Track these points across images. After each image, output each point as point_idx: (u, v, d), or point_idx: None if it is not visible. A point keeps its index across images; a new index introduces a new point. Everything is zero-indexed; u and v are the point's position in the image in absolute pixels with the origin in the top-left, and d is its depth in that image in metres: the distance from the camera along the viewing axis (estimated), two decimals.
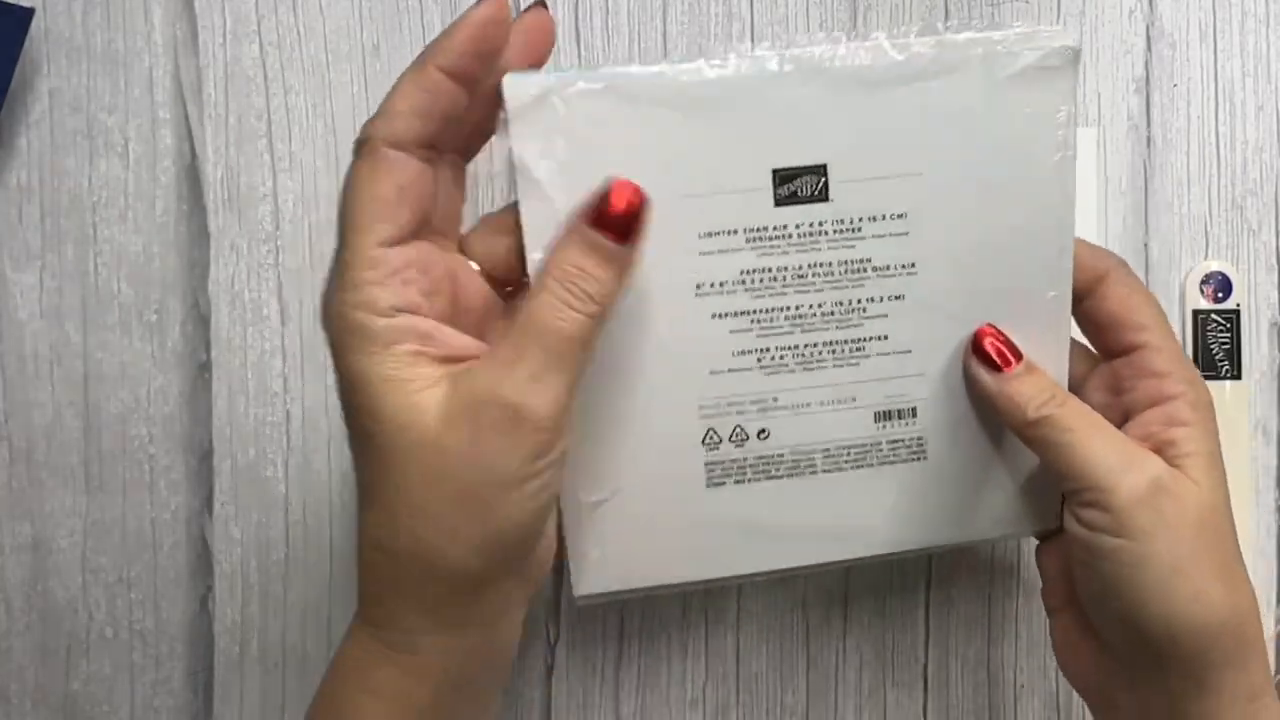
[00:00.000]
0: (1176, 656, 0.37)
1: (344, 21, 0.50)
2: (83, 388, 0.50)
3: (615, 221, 0.34)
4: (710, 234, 0.38)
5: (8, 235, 0.50)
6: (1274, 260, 0.51)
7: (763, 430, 0.40)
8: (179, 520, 0.51)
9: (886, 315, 0.40)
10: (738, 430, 0.40)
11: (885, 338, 0.40)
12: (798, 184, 0.38)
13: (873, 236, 0.39)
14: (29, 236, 0.50)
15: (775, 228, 0.38)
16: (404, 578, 0.35)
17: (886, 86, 0.37)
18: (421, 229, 0.36)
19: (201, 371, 0.50)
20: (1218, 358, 0.51)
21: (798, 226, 0.38)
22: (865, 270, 0.39)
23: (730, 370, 0.39)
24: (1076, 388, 0.41)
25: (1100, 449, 0.37)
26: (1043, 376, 0.39)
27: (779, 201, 0.38)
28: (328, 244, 0.50)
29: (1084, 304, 0.41)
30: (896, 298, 0.39)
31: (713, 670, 0.51)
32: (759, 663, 0.51)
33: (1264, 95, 0.51)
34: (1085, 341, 0.43)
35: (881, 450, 0.41)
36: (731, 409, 0.40)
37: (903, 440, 0.41)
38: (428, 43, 0.35)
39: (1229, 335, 0.51)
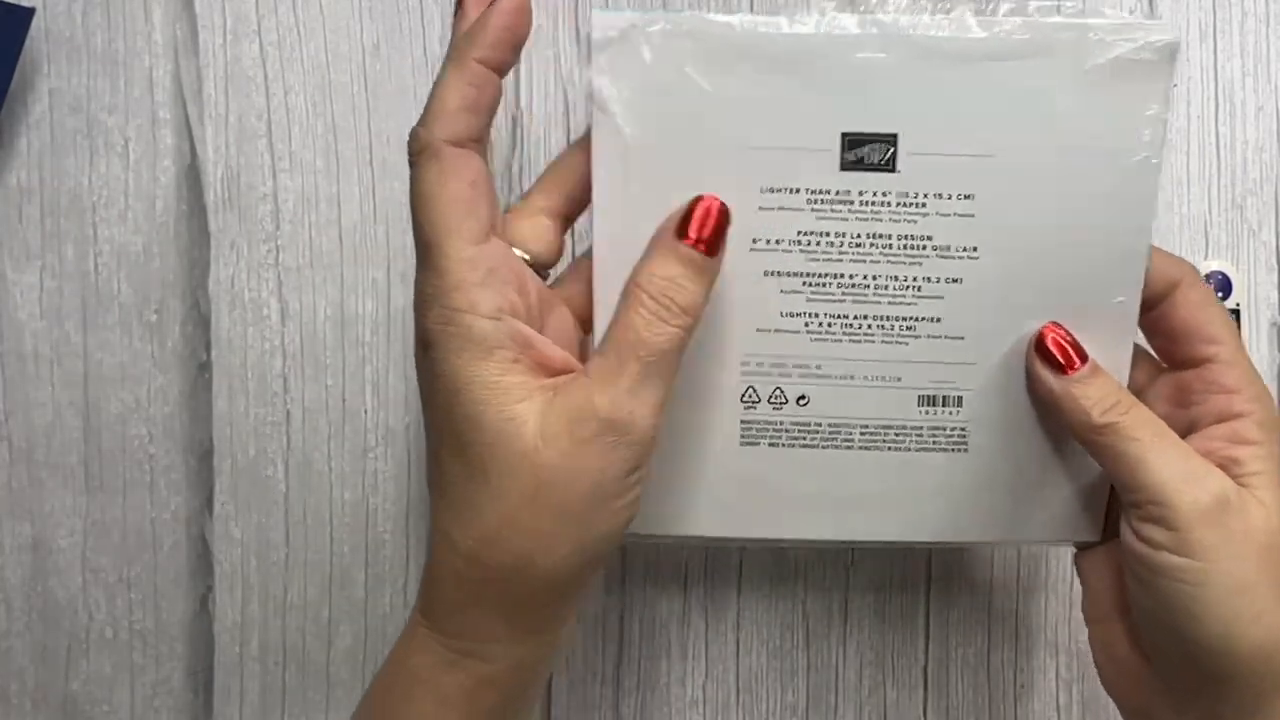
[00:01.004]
0: (1232, 678, 0.36)
1: (344, 21, 0.50)
2: (83, 388, 0.50)
3: (702, 234, 0.35)
4: (772, 189, 0.38)
5: (8, 235, 0.50)
6: (1274, 260, 0.51)
7: (802, 396, 0.40)
8: (179, 520, 0.51)
9: (942, 297, 0.39)
10: (777, 392, 0.40)
11: (938, 320, 0.39)
12: (866, 150, 0.37)
13: (936, 214, 0.38)
14: (29, 236, 0.50)
15: (838, 192, 0.38)
16: (490, 588, 0.35)
17: (967, 62, 0.37)
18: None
19: (201, 371, 0.50)
20: None
21: (860, 194, 0.38)
22: (925, 248, 0.38)
23: (776, 330, 0.39)
24: (1137, 397, 0.40)
25: (1166, 461, 0.36)
26: (1109, 380, 0.38)
27: (845, 166, 0.38)
28: (328, 244, 0.50)
29: (1154, 311, 0.39)
30: (954, 280, 0.39)
31: (713, 670, 0.51)
32: (759, 663, 0.51)
33: (1264, 95, 0.51)
34: (1147, 347, 0.41)
35: (922, 435, 0.40)
36: (774, 370, 0.39)
37: (944, 428, 0.40)
38: (458, 38, 0.36)
39: None
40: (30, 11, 0.48)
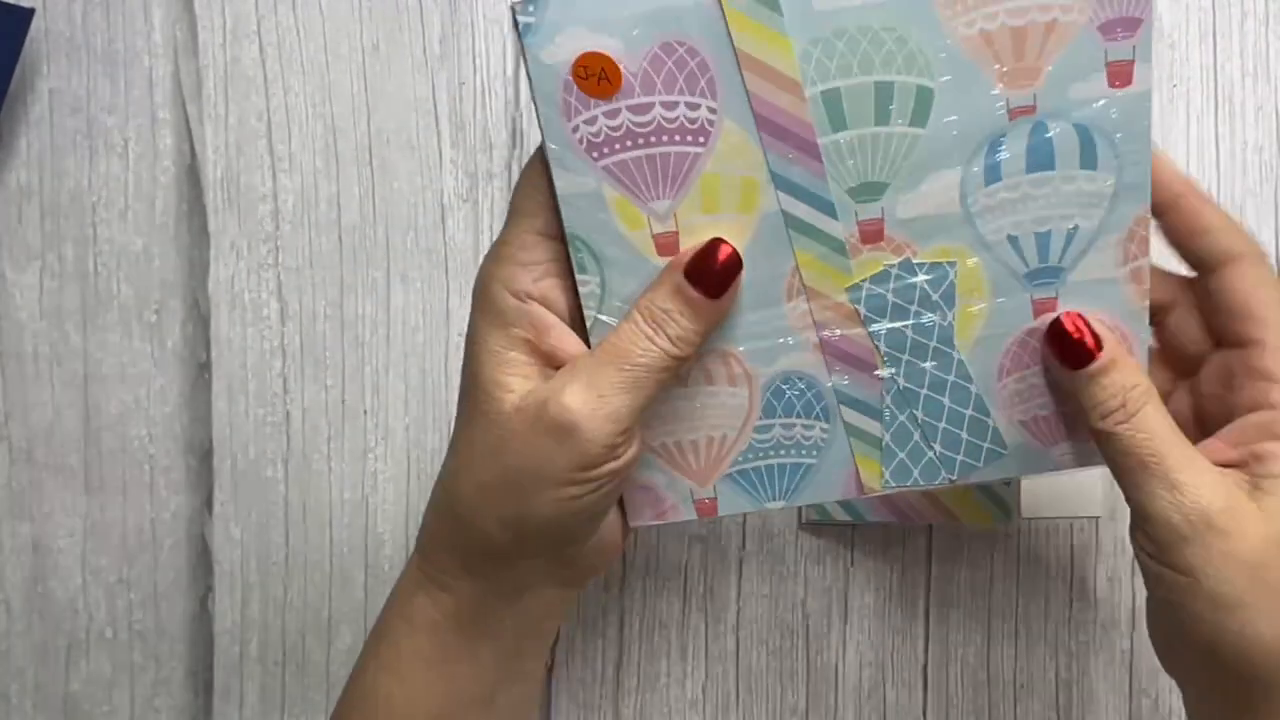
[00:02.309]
0: (1224, 677, 0.36)
1: (344, 21, 0.50)
2: (83, 388, 0.50)
3: (709, 277, 0.36)
4: None
5: (8, 235, 0.50)
6: (1274, 260, 0.51)
7: None
8: (179, 520, 0.51)
9: None
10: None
11: None
12: None
13: None
14: (29, 236, 0.50)
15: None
16: (450, 525, 0.38)
17: None
18: None
19: (201, 371, 0.50)
20: None
21: None
22: None
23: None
24: (1162, 314, 0.39)
25: (1158, 476, 0.36)
26: (1121, 378, 0.36)
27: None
28: (328, 243, 0.50)
29: (1210, 284, 0.38)
30: None
31: (713, 670, 0.51)
32: (759, 663, 0.51)
33: (1263, 96, 0.51)
34: (1176, 267, 0.40)
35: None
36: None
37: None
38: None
39: None
40: (30, 11, 0.48)
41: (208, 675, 0.51)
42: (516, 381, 0.36)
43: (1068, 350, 0.37)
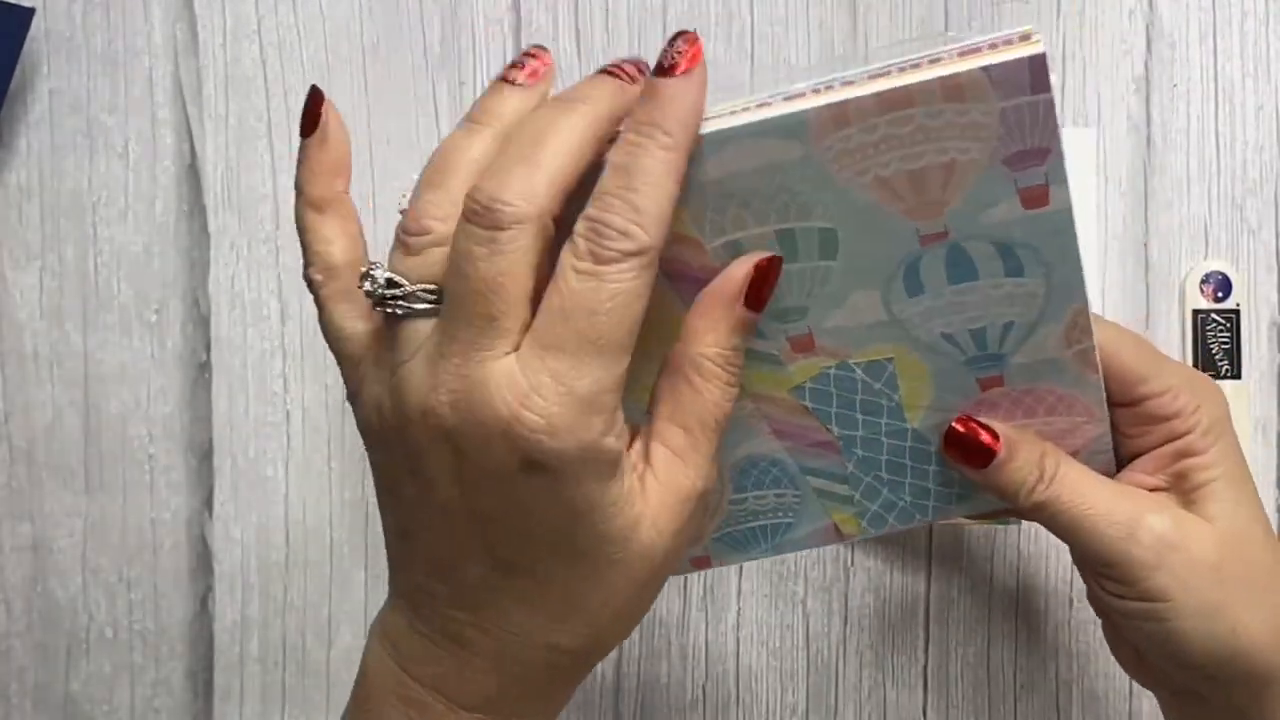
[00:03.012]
0: (1226, 680, 0.37)
1: (344, 21, 0.50)
2: (83, 388, 0.50)
3: (764, 298, 0.34)
4: None
5: (8, 235, 0.50)
6: (1274, 260, 0.51)
7: None
8: (179, 520, 0.51)
9: None
10: None
11: None
12: None
13: None
14: (29, 236, 0.50)
15: None
16: (586, 667, 0.36)
17: None
18: None
19: (201, 371, 0.50)
20: (1217, 358, 0.51)
21: None
22: None
23: None
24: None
25: (1100, 522, 0.37)
26: (1027, 456, 0.37)
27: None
28: None
29: None
30: None
31: (713, 670, 0.51)
32: (759, 663, 0.51)
33: (1264, 95, 0.51)
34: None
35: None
36: None
37: None
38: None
39: (1229, 335, 0.51)
40: (30, 11, 0.48)
41: (208, 675, 0.51)
42: (639, 509, 0.33)
43: (969, 454, 0.37)
